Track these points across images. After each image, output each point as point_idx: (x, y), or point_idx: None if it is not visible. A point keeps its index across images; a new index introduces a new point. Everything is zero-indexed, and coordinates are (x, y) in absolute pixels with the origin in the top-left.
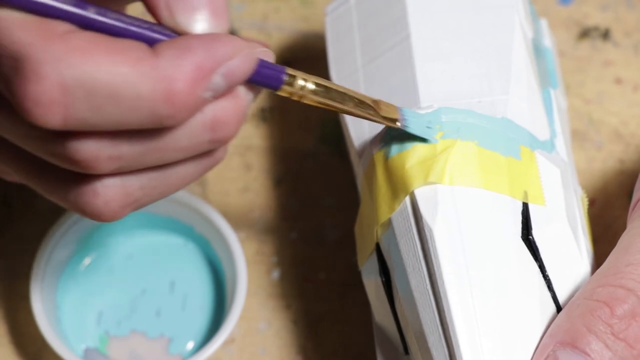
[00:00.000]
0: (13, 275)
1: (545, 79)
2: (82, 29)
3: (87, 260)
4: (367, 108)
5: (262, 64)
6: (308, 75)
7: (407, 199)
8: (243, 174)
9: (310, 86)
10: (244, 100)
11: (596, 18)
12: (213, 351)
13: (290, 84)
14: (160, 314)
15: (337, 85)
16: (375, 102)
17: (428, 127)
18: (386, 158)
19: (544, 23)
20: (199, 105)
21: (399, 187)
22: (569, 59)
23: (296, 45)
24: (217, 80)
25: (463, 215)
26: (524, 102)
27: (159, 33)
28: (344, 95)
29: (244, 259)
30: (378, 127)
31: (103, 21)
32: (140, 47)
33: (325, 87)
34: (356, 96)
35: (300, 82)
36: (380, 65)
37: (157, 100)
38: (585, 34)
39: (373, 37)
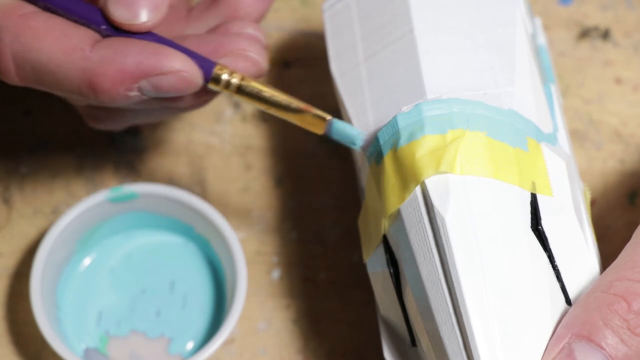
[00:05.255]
0: (13, 275)
1: (544, 75)
2: (47, 11)
3: (87, 260)
4: (294, 112)
5: (196, 58)
6: (244, 76)
7: (418, 189)
8: (243, 174)
9: (235, 82)
10: None
11: (596, 18)
12: (213, 351)
13: (217, 80)
14: (160, 314)
15: (265, 89)
16: (302, 110)
17: (353, 144)
18: (395, 149)
19: (537, 22)
20: (127, 97)
21: (409, 177)
22: (569, 59)
23: (296, 45)
24: (145, 85)
25: (474, 204)
26: (529, 95)
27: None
28: (268, 100)
29: (244, 259)
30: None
31: (70, 8)
32: (86, 37)
33: (250, 89)
34: (282, 101)
35: (225, 77)
36: (382, 59)
37: (82, 86)
38: (585, 34)
39: (374, 31)
